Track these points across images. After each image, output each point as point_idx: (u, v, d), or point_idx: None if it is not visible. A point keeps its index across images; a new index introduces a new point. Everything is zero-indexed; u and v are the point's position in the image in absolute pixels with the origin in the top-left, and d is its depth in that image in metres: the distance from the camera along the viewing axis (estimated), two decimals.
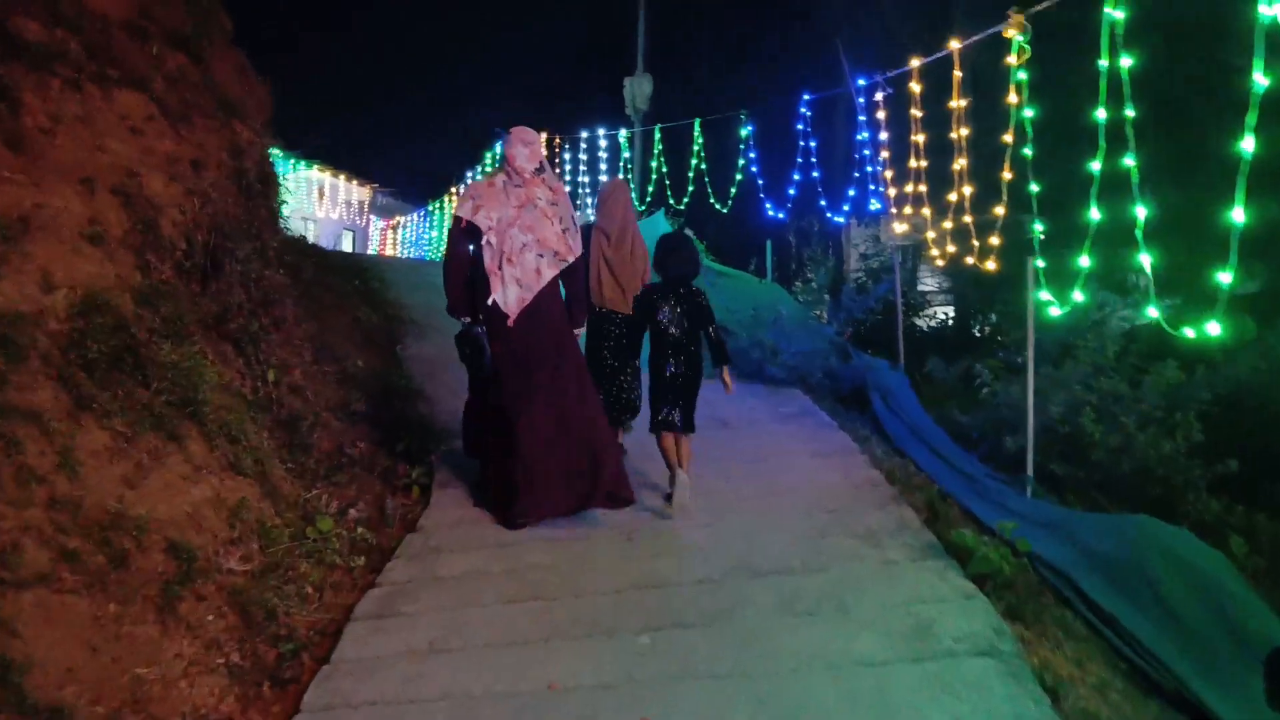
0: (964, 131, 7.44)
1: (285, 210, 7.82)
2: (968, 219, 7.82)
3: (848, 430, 7.16)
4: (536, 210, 5.11)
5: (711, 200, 13.29)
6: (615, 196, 6.29)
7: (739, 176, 12.32)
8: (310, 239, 36.47)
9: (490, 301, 5.07)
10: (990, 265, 7.60)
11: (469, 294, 5.19)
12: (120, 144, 4.93)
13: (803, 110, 10.92)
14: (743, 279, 11.77)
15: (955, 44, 7.27)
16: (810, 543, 4.81)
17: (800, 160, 11.08)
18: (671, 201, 13.74)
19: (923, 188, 8.75)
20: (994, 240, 7.52)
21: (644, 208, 13.81)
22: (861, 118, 9.76)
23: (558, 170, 16.80)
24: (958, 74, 7.33)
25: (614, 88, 18.18)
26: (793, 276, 14.92)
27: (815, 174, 11.20)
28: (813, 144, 10.87)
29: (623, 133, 14.71)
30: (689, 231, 11.97)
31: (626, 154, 14.88)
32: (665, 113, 16.03)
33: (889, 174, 9.39)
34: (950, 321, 13.72)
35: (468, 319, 5.21)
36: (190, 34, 6.22)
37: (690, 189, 13.20)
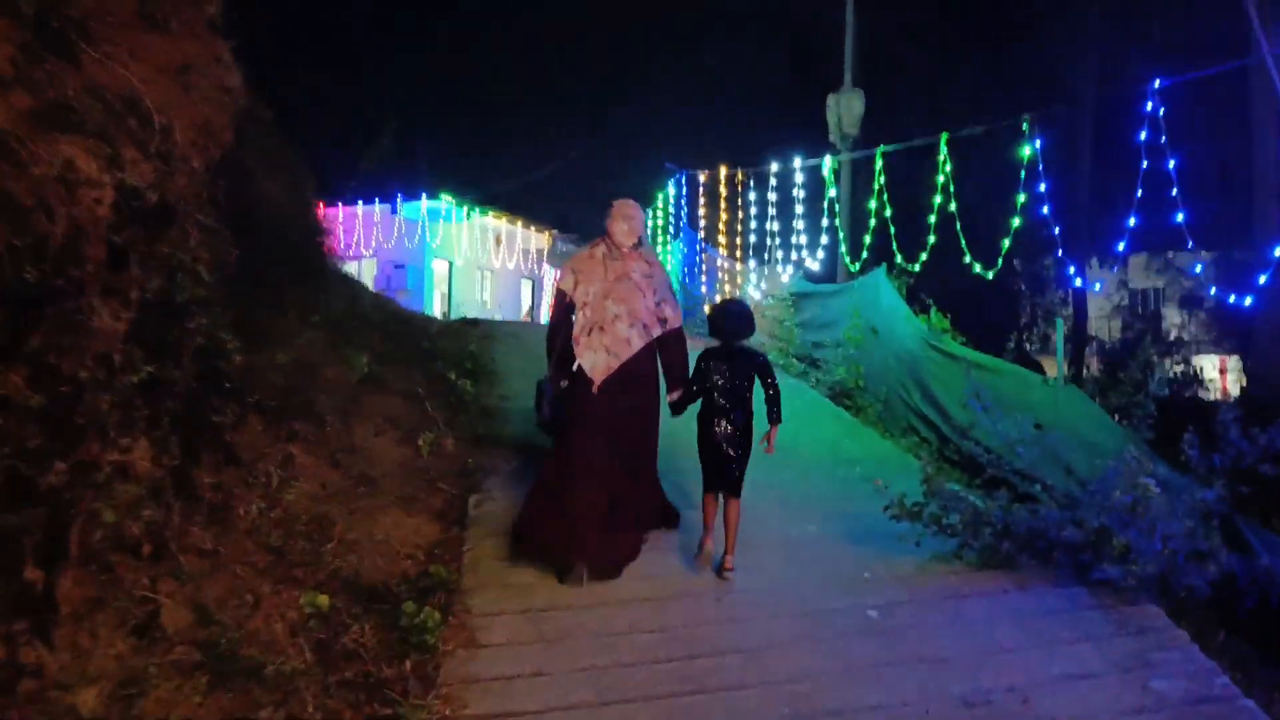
0: None
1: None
2: None
3: None
4: (630, 282, 5.30)
5: (966, 257, 8.92)
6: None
7: (1015, 222, 8.11)
8: (488, 292, 34.70)
9: (575, 367, 5.26)
10: None
11: (562, 360, 5.35)
12: None
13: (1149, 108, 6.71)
14: (1013, 375, 7.64)
15: None
16: None
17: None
18: (901, 260, 9.71)
19: None
20: None
21: (857, 266, 10.05)
22: None
23: (740, 214, 13.16)
24: None
25: (813, 112, 14.46)
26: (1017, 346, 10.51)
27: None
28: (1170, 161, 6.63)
29: (826, 161, 10.87)
30: (929, 301, 8.13)
31: (833, 191, 11.12)
32: (879, 138, 12.08)
33: None
34: None
35: (548, 379, 5.39)
36: None
37: (931, 240, 9.09)
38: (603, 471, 5.06)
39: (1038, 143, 7.93)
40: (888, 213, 9.27)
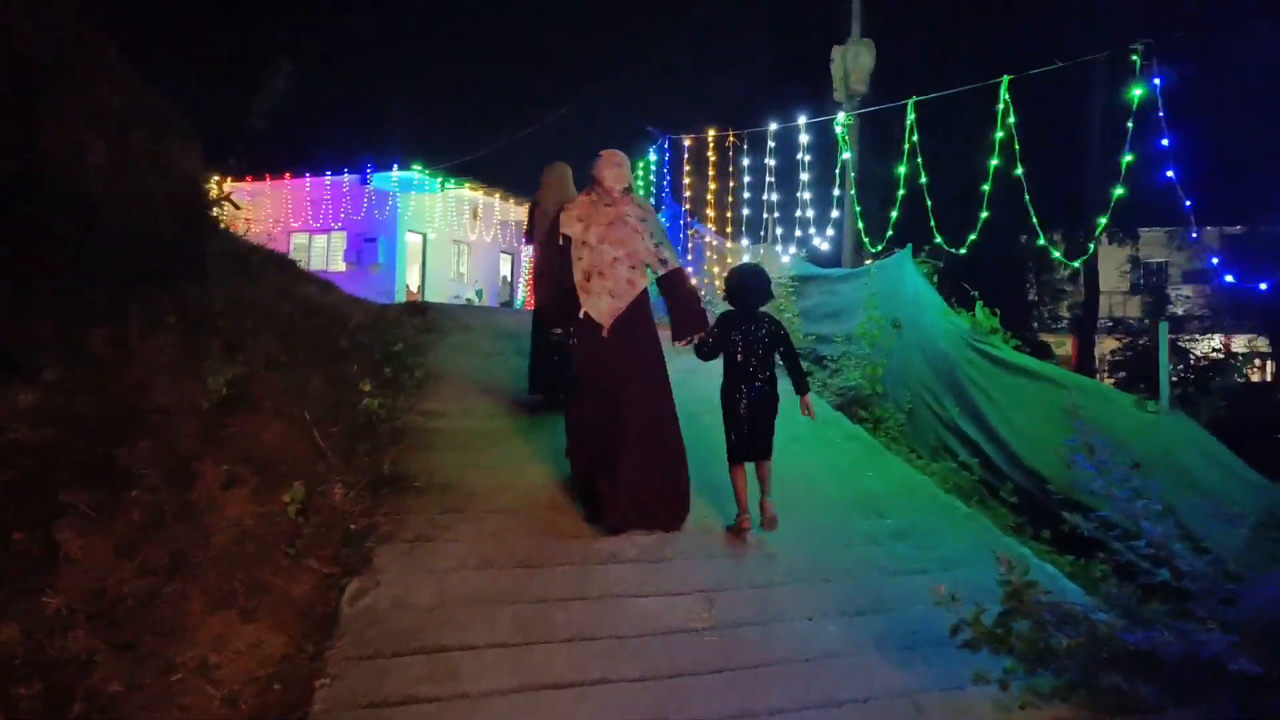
0: None
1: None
2: None
3: None
4: (627, 225, 5.29)
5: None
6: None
7: (1119, 191, 6.23)
8: (464, 266, 32.78)
9: (582, 314, 5.17)
10: None
11: (564, 305, 5.30)
12: None
13: None
14: (1092, 394, 5.86)
15: None
16: None
17: None
18: (939, 239, 7.86)
19: None
20: None
21: (878, 248, 8.22)
22: None
23: (732, 184, 11.31)
24: None
25: (812, 69, 12.66)
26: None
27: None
28: None
29: (840, 118, 8.90)
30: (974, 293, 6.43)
31: (846, 154, 9.27)
32: (892, 95, 10.18)
33: None
34: None
35: (558, 331, 5.29)
36: None
37: (984, 214, 7.14)
38: (624, 420, 5.07)
39: (1156, 81, 5.94)
40: (922, 180, 7.40)
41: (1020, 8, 17.48)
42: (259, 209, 29.98)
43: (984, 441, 6.72)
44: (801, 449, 6.52)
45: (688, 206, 12.81)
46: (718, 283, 11.51)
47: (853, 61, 12.37)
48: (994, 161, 7.04)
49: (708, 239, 12.15)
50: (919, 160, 7.38)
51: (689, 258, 12.56)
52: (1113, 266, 27.84)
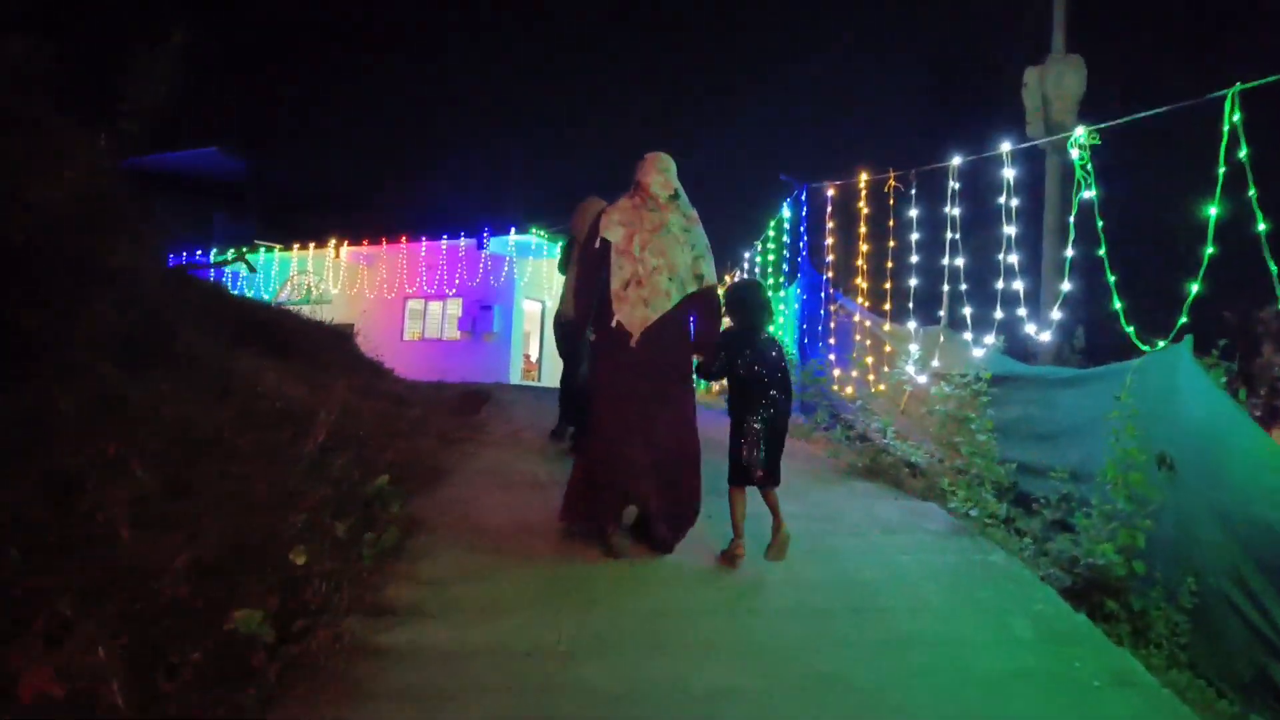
0: None
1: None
2: None
3: None
4: (670, 235, 5.09)
5: None
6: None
7: None
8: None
9: (614, 323, 5.03)
10: None
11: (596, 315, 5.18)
12: None
13: None
14: None
15: None
16: None
17: None
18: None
19: None
20: None
21: (1161, 344, 5.04)
22: None
23: (893, 243, 8.36)
24: None
25: (995, 97, 9.74)
26: None
27: None
28: None
29: (1078, 136, 5.63)
30: None
31: (1088, 193, 6.25)
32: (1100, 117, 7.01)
33: None
34: None
35: (590, 337, 5.24)
36: None
37: None
38: (643, 428, 4.94)
39: None
40: (1261, 227, 4.26)
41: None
42: (375, 274, 28.90)
43: None
44: (1030, 709, 3.58)
45: (830, 274, 9.92)
46: (875, 387, 8.52)
47: (1054, 86, 9.38)
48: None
49: (857, 317, 9.21)
50: (1251, 194, 4.28)
51: (831, 341, 9.63)
52: None
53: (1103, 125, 5.19)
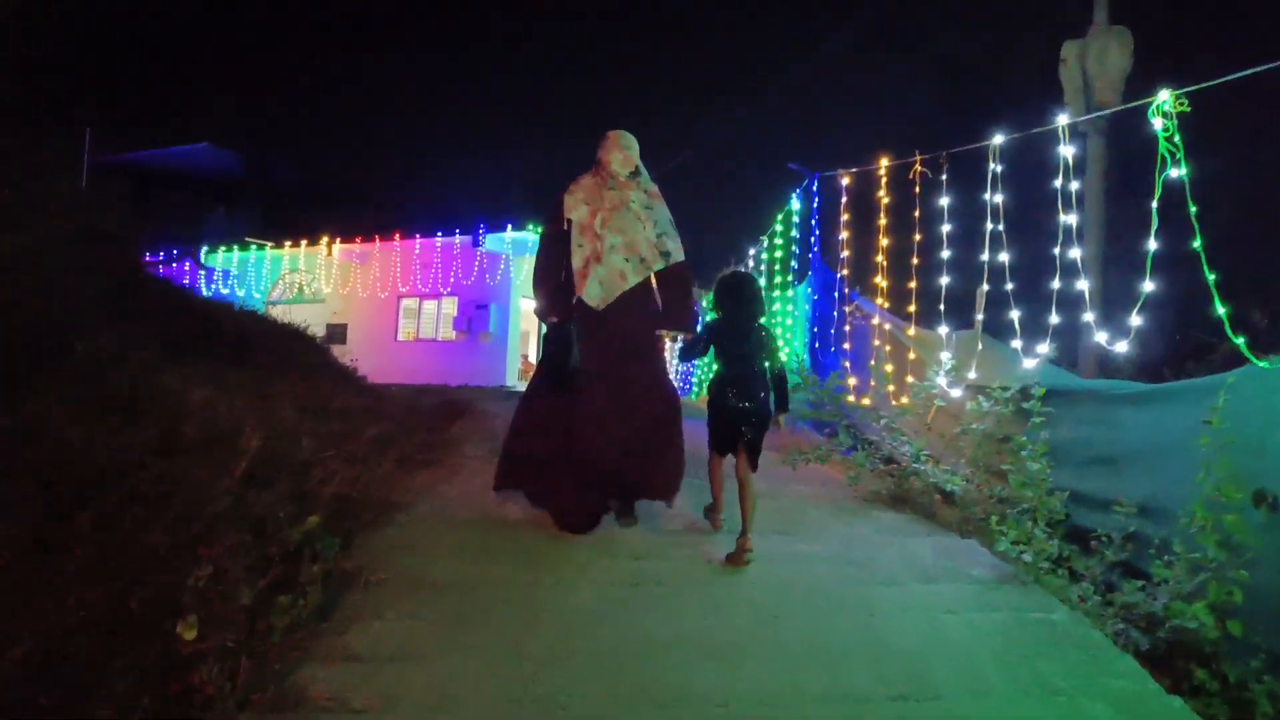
0: None
1: None
2: None
3: None
4: (630, 212, 5.08)
5: None
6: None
7: None
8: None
9: (576, 299, 5.01)
10: None
11: (560, 297, 5.09)
12: None
13: None
14: None
15: None
16: None
17: None
18: None
19: None
20: None
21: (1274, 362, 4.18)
22: None
23: (918, 236, 7.42)
24: None
25: (1030, 75, 8.89)
26: None
27: None
28: None
29: (1162, 100, 4.65)
30: None
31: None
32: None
33: None
34: None
35: (555, 319, 5.09)
36: None
37: None
38: (612, 406, 4.93)
39: None
40: None
41: None
42: (369, 272, 28.01)
43: None
44: None
45: (845, 271, 8.97)
46: (895, 400, 7.59)
47: (1097, 62, 8.44)
48: None
49: (876, 320, 8.28)
50: None
51: (846, 346, 8.70)
52: None
53: (1193, 88, 4.25)
